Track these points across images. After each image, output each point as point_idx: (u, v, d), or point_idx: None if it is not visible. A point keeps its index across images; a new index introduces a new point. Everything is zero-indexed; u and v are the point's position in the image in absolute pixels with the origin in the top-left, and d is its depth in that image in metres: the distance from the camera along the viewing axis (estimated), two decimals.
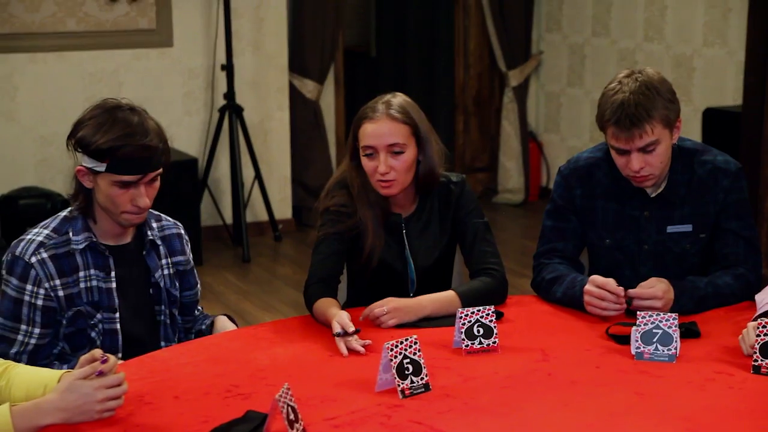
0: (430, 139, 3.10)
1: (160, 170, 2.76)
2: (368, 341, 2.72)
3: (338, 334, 2.72)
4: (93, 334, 2.78)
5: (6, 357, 2.69)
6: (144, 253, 2.86)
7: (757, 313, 2.76)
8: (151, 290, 2.87)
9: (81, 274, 2.76)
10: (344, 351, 2.69)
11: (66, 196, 2.84)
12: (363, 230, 3.09)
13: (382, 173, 3.01)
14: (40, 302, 2.72)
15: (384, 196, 3.08)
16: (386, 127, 3.01)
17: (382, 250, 3.11)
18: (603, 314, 2.89)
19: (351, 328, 2.72)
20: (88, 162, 2.70)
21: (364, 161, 3.05)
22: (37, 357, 2.75)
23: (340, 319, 2.76)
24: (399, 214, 3.15)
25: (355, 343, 2.71)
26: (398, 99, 3.08)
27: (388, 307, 2.89)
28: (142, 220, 2.80)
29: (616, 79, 2.97)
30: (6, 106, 6.47)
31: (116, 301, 2.80)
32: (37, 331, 2.74)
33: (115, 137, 2.65)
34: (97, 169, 2.68)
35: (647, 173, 2.97)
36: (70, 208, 2.81)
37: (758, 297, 2.85)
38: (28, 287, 2.71)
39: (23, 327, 2.73)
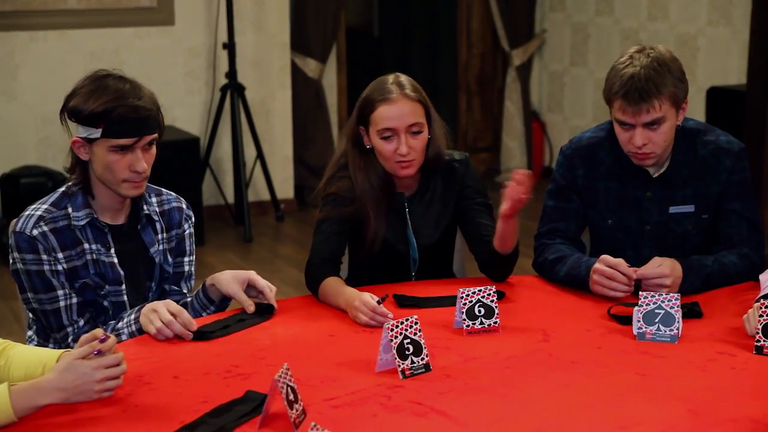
0: (436, 117, 3.09)
1: (156, 135, 2.73)
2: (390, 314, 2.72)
3: (379, 302, 2.73)
4: (106, 303, 2.80)
5: (63, 329, 2.74)
6: (139, 227, 2.85)
7: (761, 294, 2.74)
8: (146, 265, 2.87)
9: (85, 246, 2.76)
10: (372, 321, 2.72)
11: (63, 170, 2.82)
12: (365, 218, 3.07)
13: (404, 154, 2.98)
14: (60, 267, 2.73)
15: (401, 176, 3.05)
16: (406, 108, 2.99)
17: (385, 229, 3.10)
18: (610, 294, 2.87)
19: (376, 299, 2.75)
20: (82, 131, 2.69)
21: (381, 144, 3.01)
22: (86, 310, 2.77)
23: (366, 296, 2.77)
24: (402, 193, 3.13)
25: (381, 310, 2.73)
26: (405, 78, 3.06)
27: None
28: (142, 190, 2.77)
29: (627, 53, 2.96)
30: (7, 84, 6.46)
31: (121, 273, 2.80)
32: (73, 291, 2.75)
33: (108, 99, 2.64)
34: (93, 136, 2.67)
35: (649, 150, 2.96)
36: (68, 184, 2.80)
37: (762, 277, 2.84)
38: (44, 257, 2.71)
39: (60, 292, 2.74)
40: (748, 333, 2.59)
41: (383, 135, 2.99)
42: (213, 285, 2.86)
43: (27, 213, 2.74)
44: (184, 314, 2.66)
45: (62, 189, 2.80)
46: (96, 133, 2.66)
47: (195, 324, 2.67)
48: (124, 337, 2.71)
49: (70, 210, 2.75)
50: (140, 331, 2.70)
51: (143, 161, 2.70)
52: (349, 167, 3.09)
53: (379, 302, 2.73)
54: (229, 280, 2.84)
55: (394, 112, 2.98)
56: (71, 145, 2.73)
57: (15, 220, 2.75)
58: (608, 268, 2.88)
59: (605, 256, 2.91)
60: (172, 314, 2.65)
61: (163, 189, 2.96)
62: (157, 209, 2.90)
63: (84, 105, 2.65)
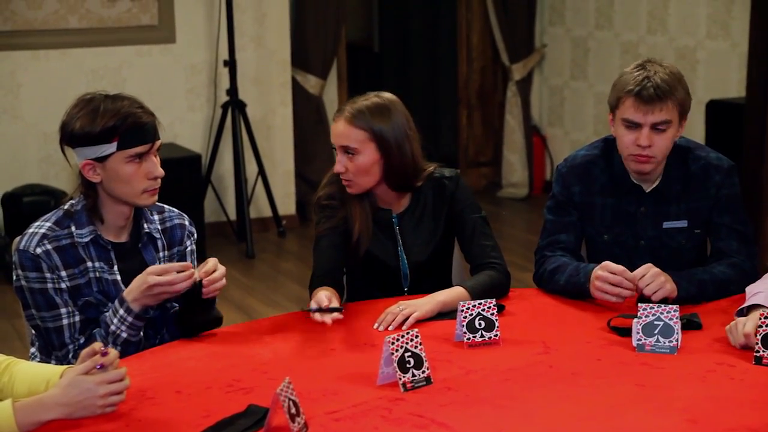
0: (403, 143, 3.07)
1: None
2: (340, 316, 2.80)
3: (310, 310, 2.82)
4: None
5: (64, 346, 2.74)
6: (140, 246, 2.87)
7: (745, 305, 2.75)
8: None
9: (89, 264, 2.77)
10: (326, 320, 2.79)
11: (74, 198, 2.81)
12: (351, 219, 3.11)
13: (340, 172, 3.08)
14: (63, 285, 2.73)
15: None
16: (340, 128, 3.08)
17: (375, 246, 3.14)
18: (612, 300, 2.89)
19: (323, 303, 2.80)
20: (92, 152, 2.70)
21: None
22: (88, 327, 2.78)
23: (318, 298, 2.83)
24: (389, 210, 3.16)
25: (327, 317, 2.79)
26: (368, 101, 3.07)
27: (404, 305, 2.88)
28: (156, 198, 2.81)
29: (638, 62, 3.03)
30: (9, 103, 6.49)
31: (123, 290, 2.80)
32: (76, 309, 2.76)
33: (117, 112, 2.68)
34: (107, 152, 2.69)
35: (651, 154, 3.00)
36: (71, 202, 2.82)
37: (749, 288, 2.85)
38: (47, 275, 2.72)
39: (63, 310, 2.74)
40: (732, 344, 2.61)
41: (333, 148, 3.13)
42: None
43: (30, 231, 2.76)
44: (174, 266, 2.72)
45: (65, 207, 2.81)
46: (110, 148, 2.69)
47: (191, 267, 2.74)
48: (124, 335, 2.72)
49: (73, 228, 2.76)
50: (138, 317, 2.71)
51: (159, 166, 2.75)
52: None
53: (333, 310, 2.81)
54: None
55: (333, 130, 3.12)
56: (81, 169, 2.73)
57: (19, 238, 2.77)
58: (612, 275, 2.89)
59: (607, 263, 2.93)
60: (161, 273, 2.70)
61: (165, 206, 2.98)
62: (159, 227, 2.92)
63: (92, 125, 2.67)
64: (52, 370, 2.42)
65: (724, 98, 6.30)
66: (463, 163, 8.15)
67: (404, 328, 2.79)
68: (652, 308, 2.65)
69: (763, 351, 2.52)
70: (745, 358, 2.55)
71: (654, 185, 3.12)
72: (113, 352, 2.32)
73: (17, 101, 6.50)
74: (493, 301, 2.74)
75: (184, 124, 6.93)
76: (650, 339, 2.63)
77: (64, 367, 2.41)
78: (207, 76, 6.94)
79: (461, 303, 2.72)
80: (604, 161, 3.15)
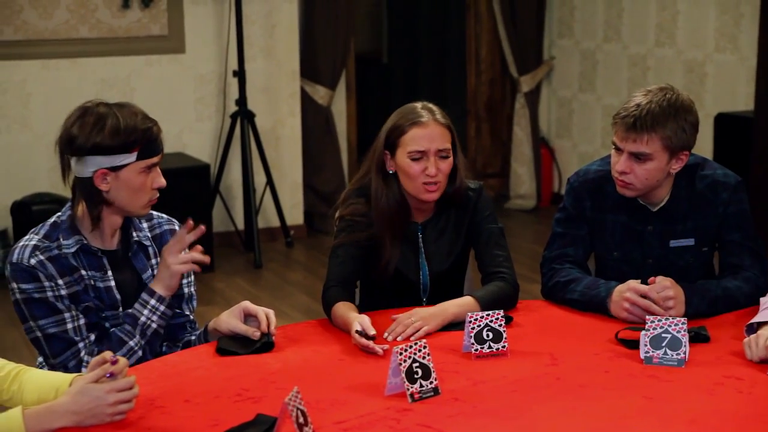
0: (460, 149, 3.14)
1: None
2: (385, 346, 2.72)
3: (358, 332, 2.73)
4: (107, 324, 2.80)
5: (74, 344, 2.72)
6: (130, 254, 2.87)
7: (755, 320, 2.74)
8: (142, 291, 2.86)
9: (82, 272, 2.76)
10: (365, 344, 2.72)
11: (84, 208, 2.80)
12: (379, 244, 3.10)
13: (433, 175, 3.03)
14: (62, 292, 2.72)
15: (424, 200, 3.09)
16: (437, 132, 3.05)
17: (398, 259, 3.13)
18: (638, 320, 2.90)
19: (371, 332, 2.73)
20: (109, 161, 2.69)
21: (410, 165, 3.05)
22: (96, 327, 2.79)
23: (362, 321, 2.77)
24: (416, 223, 3.17)
25: (374, 344, 2.72)
26: (434, 106, 3.13)
27: (416, 317, 2.88)
28: None
29: (650, 88, 3.02)
30: (19, 112, 6.51)
31: (117, 297, 2.80)
32: (79, 312, 2.75)
33: (137, 125, 2.70)
34: (125, 162, 2.70)
35: (629, 181, 3.01)
36: (57, 214, 2.82)
37: (764, 299, 2.85)
38: (45, 283, 2.70)
39: (66, 314, 2.73)
40: (749, 357, 2.61)
41: (413, 156, 3.04)
42: (215, 329, 2.87)
43: (20, 244, 2.74)
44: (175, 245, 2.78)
45: (51, 220, 2.80)
46: (130, 158, 2.70)
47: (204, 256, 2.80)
48: (154, 326, 2.76)
49: (61, 240, 2.75)
50: (170, 305, 2.78)
51: (161, 176, 2.78)
52: (371, 190, 3.13)
53: (371, 337, 2.73)
54: (227, 316, 2.84)
55: (426, 134, 3.04)
56: (93, 179, 2.72)
57: (10, 254, 2.74)
58: (641, 299, 2.90)
59: (635, 285, 2.93)
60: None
61: (153, 212, 2.97)
62: (148, 234, 2.92)
63: (114, 137, 2.67)
64: (62, 378, 2.43)
65: (732, 111, 6.30)
66: (471, 174, 8.10)
67: (413, 339, 2.80)
68: (660, 321, 2.66)
69: None
70: (753, 372, 2.55)
71: (661, 205, 3.12)
72: (123, 361, 2.33)
73: (27, 110, 6.52)
74: (501, 312, 2.74)
75: (193, 134, 6.94)
76: (658, 351, 2.63)
77: (74, 375, 2.42)
78: (216, 86, 6.96)
79: (469, 314, 2.72)
80: None
